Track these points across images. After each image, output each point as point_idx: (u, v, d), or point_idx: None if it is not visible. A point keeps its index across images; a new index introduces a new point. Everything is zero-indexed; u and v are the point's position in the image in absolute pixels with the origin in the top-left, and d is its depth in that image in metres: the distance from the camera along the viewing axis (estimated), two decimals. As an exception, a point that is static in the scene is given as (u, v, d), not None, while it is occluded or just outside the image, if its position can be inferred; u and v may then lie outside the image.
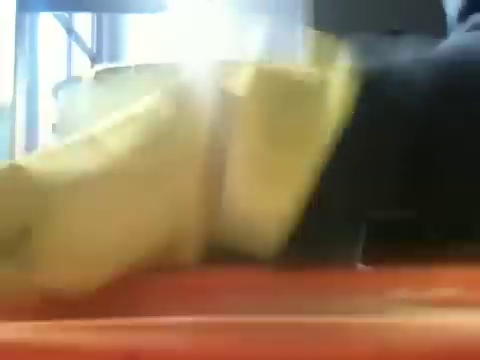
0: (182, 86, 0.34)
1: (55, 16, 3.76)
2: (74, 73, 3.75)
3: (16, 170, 0.30)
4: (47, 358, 0.26)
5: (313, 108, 0.33)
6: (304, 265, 0.32)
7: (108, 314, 0.28)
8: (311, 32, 0.35)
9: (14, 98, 3.12)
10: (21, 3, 3.18)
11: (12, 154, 3.04)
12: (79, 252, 0.30)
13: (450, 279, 0.32)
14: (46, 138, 3.04)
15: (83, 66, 4.09)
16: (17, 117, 3.17)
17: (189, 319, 0.27)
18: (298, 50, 0.36)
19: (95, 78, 1.10)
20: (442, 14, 0.51)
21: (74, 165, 0.31)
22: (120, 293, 0.31)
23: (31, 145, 3.18)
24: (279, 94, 0.33)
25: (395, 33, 0.39)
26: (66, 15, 3.91)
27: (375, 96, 0.34)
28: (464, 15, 0.47)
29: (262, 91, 0.33)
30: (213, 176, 0.32)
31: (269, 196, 0.32)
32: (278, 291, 0.32)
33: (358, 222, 0.34)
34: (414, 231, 0.37)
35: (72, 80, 1.24)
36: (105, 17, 4.45)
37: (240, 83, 0.33)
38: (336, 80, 0.34)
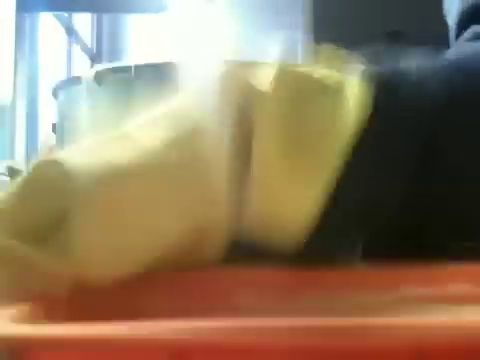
0: (205, 85, 0.34)
1: (55, 16, 3.76)
2: (74, 73, 3.75)
3: (53, 163, 0.31)
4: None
5: (333, 107, 0.34)
6: (320, 264, 0.32)
7: (128, 306, 0.29)
8: (318, 45, 0.36)
9: (14, 98, 3.12)
10: (21, 3, 3.18)
11: (12, 154, 3.04)
12: (112, 241, 0.31)
13: (464, 275, 0.32)
14: (46, 138, 3.04)
15: (83, 66, 4.09)
16: (17, 117, 3.17)
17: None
18: (298, 54, 0.37)
19: (95, 78, 1.10)
20: (441, 17, 0.51)
21: (108, 159, 0.32)
22: (141, 287, 0.31)
23: (31, 145, 3.18)
24: (300, 93, 0.34)
25: (395, 34, 0.40)
26: (66, 15, 3.91)
27: (390, 100, 0.35)
28: (464, 24, 0.47)
29: (284, 89, 0.34)
30: (237, 174, 0.33)
31: (290, 196, 0.33)
32: (295, 291, 0.32)
33: (373, 223, 0.35)
34: (425, 233, 0.38)
35: (72, 80, 1.24)
36: (105, 17, 4.45)
37: (262, 81, 0.34)
38: (353, 81, 0.34)
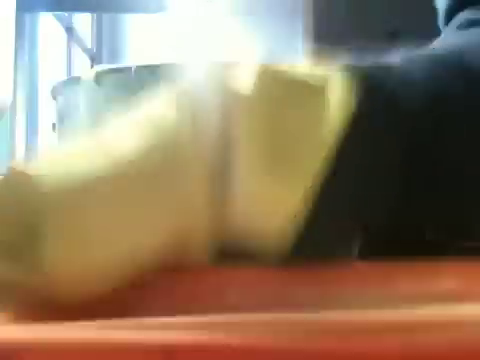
0: (186, 88, 0.34)
1: (55, 16, 3.76)
2: (74, 73, 3.75)
3: (20, 175, 0.31)
4: (84, 356, 0.26)
5: (316, 108, 0.34)
6: (309, 262, 0.32)
7: (111, 315, 0.29)
8: (308, 42, 0.36)
9: (14, 98, 3.12)
10: (21, 3, 3.19)
11: (12, 154, 3.04)
12: (85, 253, 0.30)
13: (451, 273, 0.32)
14: (46, 138, 3.04)
15: (83, 66, 4.09)
16: (17, 117, 3.17)
17: (219, 317, 0.28)
18: (297, 53, 0.37)
19: (95, 79, 1.10)
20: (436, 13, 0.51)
21: (80, 167, 0.31)
22: (125, 294, 0.31)
23: (31, 145, 3.18)
24: (282, 94, 0.34)
25: (394, 34, 0.40)
26: (66, 15, 3.92)
27: (374, 98, 0.35)
28: (453, 11, 0.47)
29: (265, 91, 0.33)
30: (219, 176, 0.32)
31: (274, 195, 0.32)
32: (284, 288, 0.32)
33: (360, 223, 0.35)
34: (415, 233, 0.38)
35: (72, 80, 1.24)
36: (105, 17, 4.45)
37: (244, 83, 0.33)
38: (337, 81, 0.34)
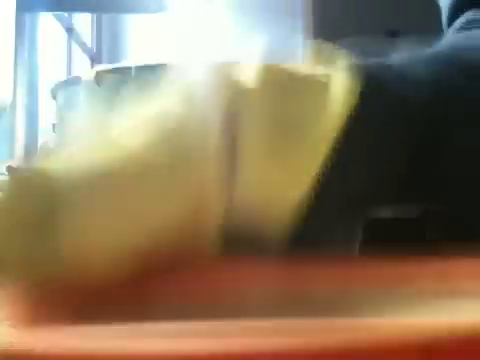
0: (192, 83, 0.35)
1: (55, 16, 3.76)
2: (74, 73, 3.75)
3: (37, 171, 0.32)
4: None
5: (318, 102, 0.34)
6: (311, 253, 0.32)
7: (128, 302, 0.29)
8: (309, 40, 0.37)
9: (14, 98, 3.12)
10: (21, 3, 3.18)
11: (12, 154, 3.04)
12: (100, 247, 0.31)
13: (466, 271, 0.32)
14: (46, 138, 3.04)
15: (83, 66, 4.09)
16: (17, 117, 3.17)
17: None
18: (298, 54, 0.37)
19: (95, 78, 1.10)
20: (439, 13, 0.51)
21: (93, 162, 0.32)
22: (137, 284, 0.32)
23: (31, 145, 3.18)
24: (285, 88, 0.35)
25: (393, 34, 0.40)
26: (66, 15, 3.91)
27: (375, 93, 0.35)
28: (458, 8, 0.47)
29: (269, 83, 0.34)
30: (226, 164, 0.33)
31: (278, 181, 0.33)
32: (301, 286, 0.32)
33: (360, 215, 0.35)
34: (416, 229, 0.38)
35: (72, 80, 1.24)
36: (105, 17, 4.45)
37: (247, 77, 0.34)
38: (338, 77, 0.34)
